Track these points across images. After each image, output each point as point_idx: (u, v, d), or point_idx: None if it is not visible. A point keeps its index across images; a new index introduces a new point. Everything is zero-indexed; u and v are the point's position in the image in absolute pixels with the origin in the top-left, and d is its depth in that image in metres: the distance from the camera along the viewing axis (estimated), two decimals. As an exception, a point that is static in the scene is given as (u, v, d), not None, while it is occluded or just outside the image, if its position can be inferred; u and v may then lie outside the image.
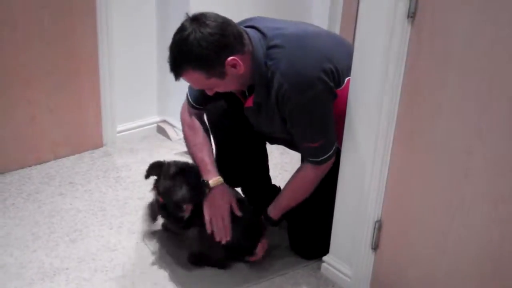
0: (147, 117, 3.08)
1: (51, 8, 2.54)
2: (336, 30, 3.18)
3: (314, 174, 1.97)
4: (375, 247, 1.88)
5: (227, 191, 2.03)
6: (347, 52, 1.97)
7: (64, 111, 2.74)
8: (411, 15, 1.59)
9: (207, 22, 1.75)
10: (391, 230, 1.84)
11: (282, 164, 2.79)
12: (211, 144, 2.11)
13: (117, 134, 2.97)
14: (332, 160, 1.95)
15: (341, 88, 1.89)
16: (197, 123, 2.11)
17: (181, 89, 2.94)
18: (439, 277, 1.72)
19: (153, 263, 2.09)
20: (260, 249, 2.04)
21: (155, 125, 3.12)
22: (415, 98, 1.65)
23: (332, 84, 1.86)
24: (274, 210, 2.05)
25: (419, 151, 1.68)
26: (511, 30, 1.39)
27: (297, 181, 2.02)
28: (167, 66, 1.88)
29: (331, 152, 1.91)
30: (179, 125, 3.01)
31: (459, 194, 1.60)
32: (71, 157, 2.81)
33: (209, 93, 1.92)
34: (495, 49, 1.44)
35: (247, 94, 1.96)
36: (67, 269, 2.04)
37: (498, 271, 1.57)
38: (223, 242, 1.98)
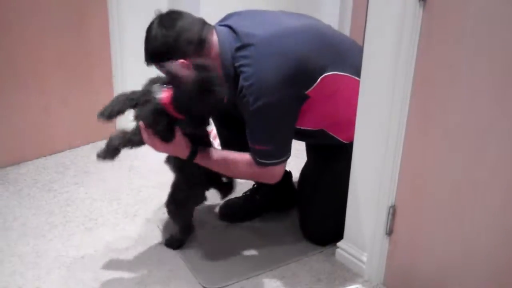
0: (160, 106, 3.08)
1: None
2: (347, 17, 3.17)
3: (250, 169, 1.94)
4: (390, 232, 1.88)
5: None
6: (336, 47, 1.95)
7: (78, 101, 2.76)
8: (423, -1, 1.58)
9: (166, 24, 1.83)
10: (405, 215, 1.83)
11: (294, 151, 2.78)
12: None
13: (131, 123, 2.96)
14: (276, 171, 1.94)
15: (311, 88, 1.87)
16: None
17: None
18: (454, 262, 1.71)
19: (168, 251, 2.10)
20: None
21: (168, 113, 3.12)
22: (428, 82, 1.64)
23: (294, 90, 1.85)
24: (203, 155, 1.93)
25: (433, 135, 1.67)
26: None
27: (235, 161, 1.96)
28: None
29: (274, 161, 1.91)
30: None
31: (474, 178, 1.59)
32: (85, 147, 2.83)
33: None
34: (509, 31, 1.42)
35: None
36: (83, 257, 2.06)
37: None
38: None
